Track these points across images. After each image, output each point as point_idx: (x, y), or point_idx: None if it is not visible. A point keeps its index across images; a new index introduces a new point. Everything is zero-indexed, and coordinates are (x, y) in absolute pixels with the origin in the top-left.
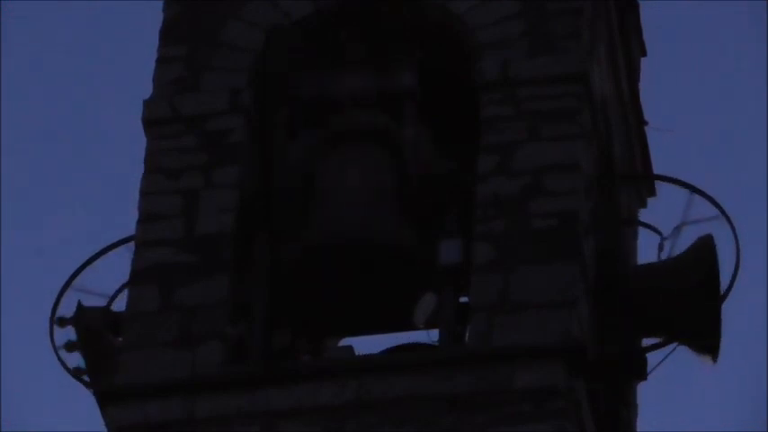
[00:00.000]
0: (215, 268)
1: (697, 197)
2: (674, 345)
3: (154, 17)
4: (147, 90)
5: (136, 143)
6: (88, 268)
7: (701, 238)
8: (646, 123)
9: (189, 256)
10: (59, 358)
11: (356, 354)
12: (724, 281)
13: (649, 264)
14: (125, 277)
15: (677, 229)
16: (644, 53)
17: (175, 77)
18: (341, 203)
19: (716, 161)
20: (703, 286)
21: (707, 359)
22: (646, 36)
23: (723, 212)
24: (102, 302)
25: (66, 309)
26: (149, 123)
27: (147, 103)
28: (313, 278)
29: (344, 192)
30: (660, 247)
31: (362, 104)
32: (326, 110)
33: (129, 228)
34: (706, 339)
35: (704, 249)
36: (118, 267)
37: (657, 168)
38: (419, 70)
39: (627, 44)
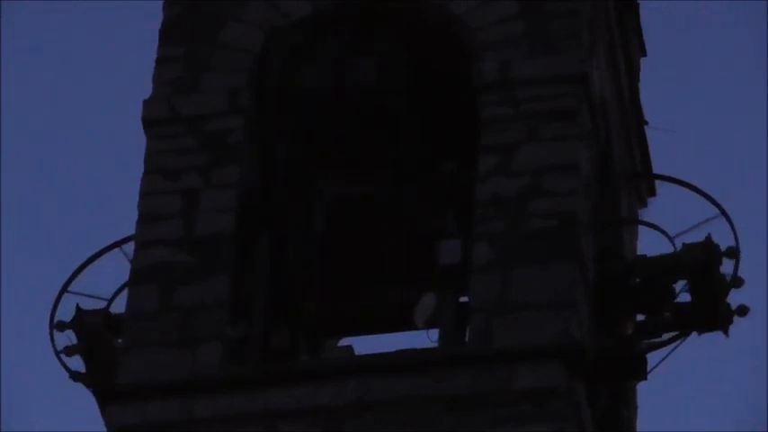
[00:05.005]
0: (215, 268)
1: (698, 197)
2: (677, 342)
3: (154, 17)
4: (146, 90)
5: (136, 143)
6: (88, 269)
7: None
8: (646, 123)
9: (189, 256)
10: (59, 358)
11: (356, 354)
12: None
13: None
14: (125, 277)
15: (684, 233)
16: (644, 53)
17: (175, 78)
18: None
19: (716, 161)
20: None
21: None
22: (646, 36)
23: (723, 212)
24: (101, 303)
25: (66, 309)
26: (149, 123)
27: (147, 104)
28: None
29: None
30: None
31: None
32: None
33: (129, 228)
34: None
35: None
36: (118, 267)
37: (657, 168)
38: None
39: (627, 44)
